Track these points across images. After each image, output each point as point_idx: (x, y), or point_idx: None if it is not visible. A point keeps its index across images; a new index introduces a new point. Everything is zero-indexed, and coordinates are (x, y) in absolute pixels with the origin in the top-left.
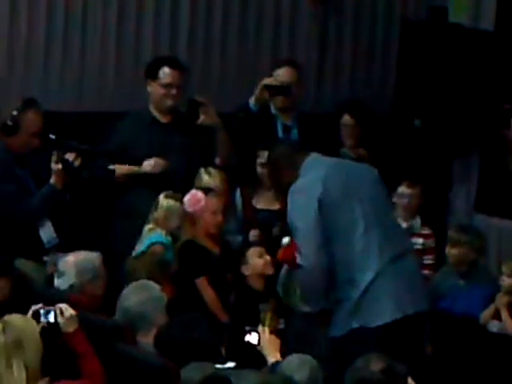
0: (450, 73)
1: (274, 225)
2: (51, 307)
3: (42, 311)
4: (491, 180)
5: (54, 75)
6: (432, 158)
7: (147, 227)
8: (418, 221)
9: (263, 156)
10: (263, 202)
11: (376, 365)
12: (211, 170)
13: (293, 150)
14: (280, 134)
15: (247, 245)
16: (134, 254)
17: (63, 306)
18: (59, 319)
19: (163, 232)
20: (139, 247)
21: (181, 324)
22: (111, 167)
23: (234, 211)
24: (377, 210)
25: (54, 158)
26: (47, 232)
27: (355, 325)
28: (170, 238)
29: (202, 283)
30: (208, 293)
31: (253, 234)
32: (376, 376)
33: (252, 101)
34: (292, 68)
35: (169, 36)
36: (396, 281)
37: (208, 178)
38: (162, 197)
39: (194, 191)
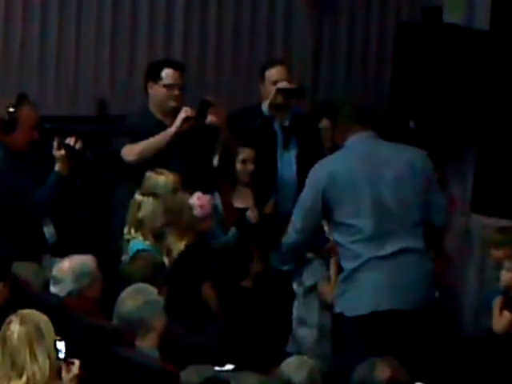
0: (445, 74)
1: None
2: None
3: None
4: (487, 180)
5: (49, 80)
6: None
7: (125, 233)
8: None
9: (243, 153)
10: (241, 200)
11: (382, 372)
12: (161, 170)
13: (355, 116)
14: (279, 135)
15: (240, 239)
16: (122, 261)
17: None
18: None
19: (141, 238)
20: (124, 257)
21: (186, 327)
22: None
23: (215, 212)
24: (391, 204)
25: (55, 144)
26: (49, 229)
27: (337, 310)
28: (148, 242)
29: (207, 287)
30: (212, 296)
31: (249, 214)
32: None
33: (265, 106)
34: (283, 66)
35: (163, 40)
36: (383, 275)
37: (164, 178)
38: (139, 196)
39: (199, 194)
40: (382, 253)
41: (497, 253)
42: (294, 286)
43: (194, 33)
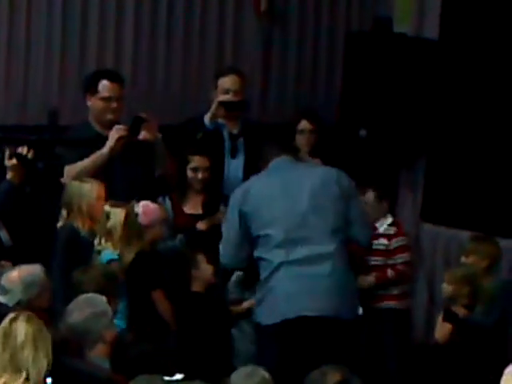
0: (395, 83)
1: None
2: None
3: None
4: (437, 189)
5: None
6: (378, 167)
7: (96, 244)
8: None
9: (194, 161)
10: (192, 206)
11: (332, 377)
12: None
13: (277, 147)
14: (227, 142)
15: (189, 245)
16: None
17: None
18: None
19: (111, 248)
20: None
21: (138, 337)
22: None
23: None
24: (305, 211)
25: (6, 154)
26: (3, 234)
27: (256, 319)
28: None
29: (157, 295)
30: (164, 304)
31: (200, 225)
32: None
33: (207, 118)
34: (237, 76)
35: (113, 49)
36: (293, 281)
37: (89, 185)
38: (107, 206)
39: (144, 203)
40: (291, 258)
41: (466, 260)
42: None
43: (143, 43)
